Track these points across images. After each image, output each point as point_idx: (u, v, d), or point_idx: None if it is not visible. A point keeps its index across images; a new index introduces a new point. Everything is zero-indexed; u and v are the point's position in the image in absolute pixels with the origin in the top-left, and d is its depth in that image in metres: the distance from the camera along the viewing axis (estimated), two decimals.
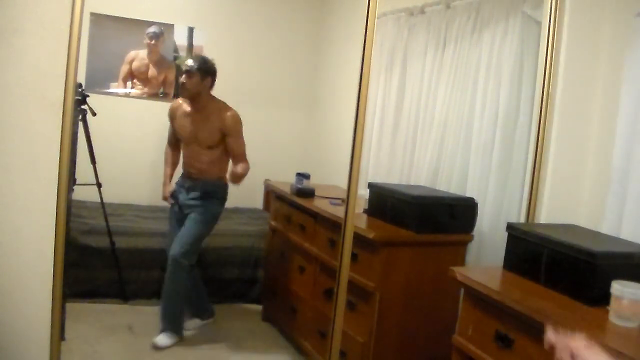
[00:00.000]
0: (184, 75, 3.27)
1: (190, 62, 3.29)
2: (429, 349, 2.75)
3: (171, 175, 3.60)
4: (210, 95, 3.38)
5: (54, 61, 2.00)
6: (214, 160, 3.39)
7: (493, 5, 2.97)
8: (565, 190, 2.56)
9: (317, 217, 3.19)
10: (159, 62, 4.73)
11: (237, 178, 3.31)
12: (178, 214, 3.46)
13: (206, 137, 3.35)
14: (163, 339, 3.30)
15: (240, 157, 3.39)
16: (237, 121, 3.35)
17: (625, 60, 2.34)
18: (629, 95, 2.30)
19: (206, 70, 3.30)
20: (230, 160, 3.43)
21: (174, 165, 3.61)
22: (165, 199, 3.57)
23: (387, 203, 2.89)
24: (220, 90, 3.43)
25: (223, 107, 3.36)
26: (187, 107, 3.40)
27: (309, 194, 3.43)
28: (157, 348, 3.26)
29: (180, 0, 4.83)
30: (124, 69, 4.67)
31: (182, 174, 3.52)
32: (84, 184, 3.58)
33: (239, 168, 3.32)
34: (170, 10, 4.74)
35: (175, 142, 3.58)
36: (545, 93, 2.57)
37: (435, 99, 3.33)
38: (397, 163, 3.62)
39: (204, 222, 3.40)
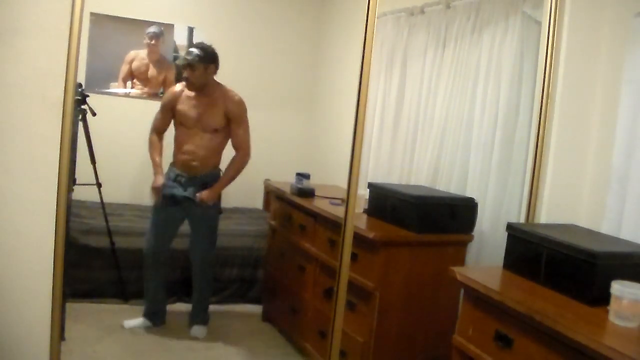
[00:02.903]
0: (187, 70, 3.23)
1: (190, 55, 3.22)
2: (429, 349, 2.76)
3: (161, 164, 3.41)
4: (216, 81, 3.35)
5: (54, 61, 2.00)
6: (214, 146, 3.35)
7: (493, 5, 2.97)
8: (565, 190, 2.56)
9: (317, 217, 3.18)
10: (159, 62, 4.73)
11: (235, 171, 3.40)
12: (171, 211, 3.36)
13: (211, 121, 3.30)
14: (200, 331, 3.49)
15: (242, 143, 3.37)
16: (242, 107, 3.35)
17: (625, 60, 2.34)
18: (628, 95, 2.30)
19: (208, 59, 3.25)
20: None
21: (161, 153, 3.44)
22: (157, 189, 3.33)
23: (387, 203, 2.89)
24: None
25: (229, 91, 3.35)
26: (190, 92, 3.34)
27: (309, 194, 3.43)
28: (196, 339, 3.44)
29: (180, 0, 4.84)
30: (124, 69, 4.67)
31: (174, 167, 3.40)
32: (84, 184, 3.58)
33: (236, 160, 3.40)
34: (170, 10, 4.75)
35: (163, 130, 3.45)
36: (545, 93, 2.57)
37: (435, 99, 3.33)
38: (397, 163, 3.62)
39: (214, 222, 3.46)
